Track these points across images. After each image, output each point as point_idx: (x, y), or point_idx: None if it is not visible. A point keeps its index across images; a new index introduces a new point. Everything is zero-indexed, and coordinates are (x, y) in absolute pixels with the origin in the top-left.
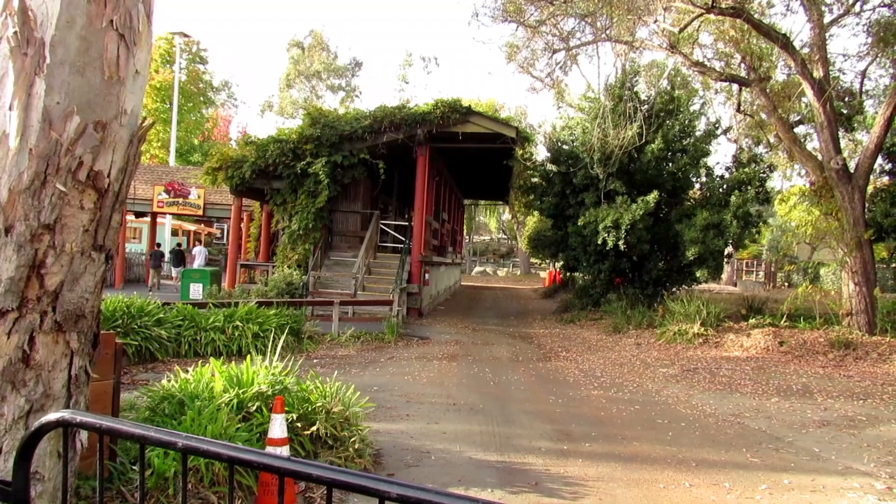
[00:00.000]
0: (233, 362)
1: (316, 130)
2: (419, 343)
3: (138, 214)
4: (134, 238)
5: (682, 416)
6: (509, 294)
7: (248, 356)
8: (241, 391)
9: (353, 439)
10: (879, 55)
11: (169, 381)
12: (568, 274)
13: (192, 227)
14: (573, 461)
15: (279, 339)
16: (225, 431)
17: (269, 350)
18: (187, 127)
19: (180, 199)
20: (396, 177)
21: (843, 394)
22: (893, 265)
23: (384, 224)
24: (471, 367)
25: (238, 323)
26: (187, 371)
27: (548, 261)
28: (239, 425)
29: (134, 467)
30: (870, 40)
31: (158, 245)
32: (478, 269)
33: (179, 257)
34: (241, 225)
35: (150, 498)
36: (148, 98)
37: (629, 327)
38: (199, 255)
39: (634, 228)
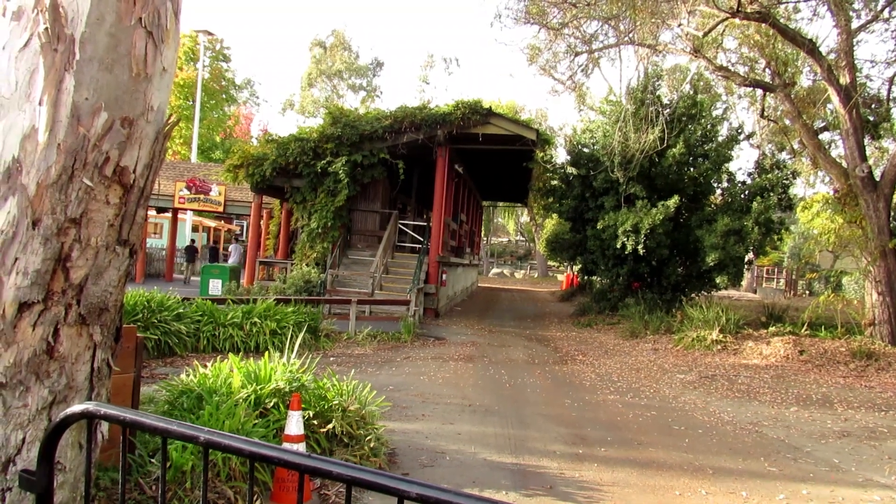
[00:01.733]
0: (250, 358)
1: (336, 129)
2: (435, 343)
3: (160, 210)
4: (155, 233)
5: (699, 423)
6: (526, 296)
7: (266, 353)
8: (258, 387)
9: (368, 438)
10: None
11: (188, 375)
12: (585, 277)
13: (212, 223)
14: (588, 465)
15: (296, 336)
16: (242, 427)
17: (286, 347)
18: (209, 124)
19: (201, 196)
20: (416, 177)
21: (865, 405)
22: None
23: (402, 224)
24: (487, 368)
25: (256, 319)
26: (206, 366)
27: (565, 264)
28: (256, 421)
29: (152, 460)
30: None
31: (192, 241)
32: (495, 270)
33: (214, 254)
34: (261, 222)
35: (168, 491)
36: (172, 95)
37: (647, 332)
38: (234, 251)
39: (654, 233)
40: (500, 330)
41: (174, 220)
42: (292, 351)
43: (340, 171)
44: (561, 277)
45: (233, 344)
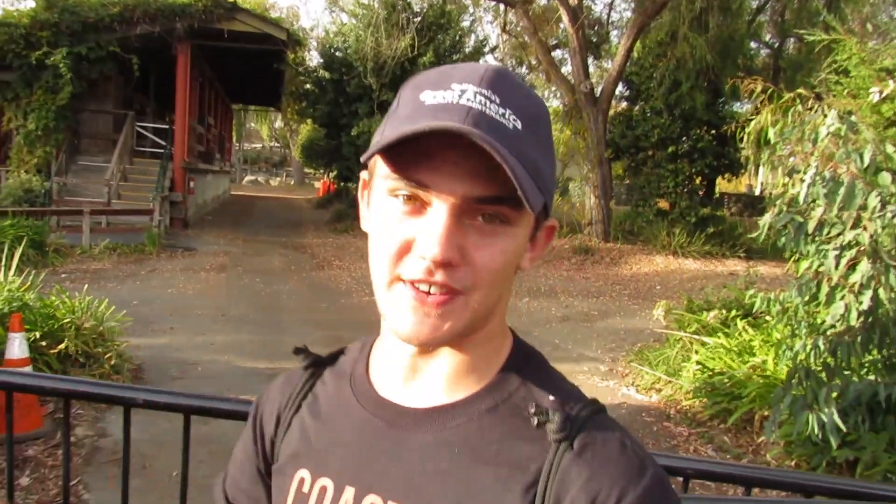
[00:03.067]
0: None
1: (53, 15)
2: (184, 254)
3: None
4: None
5: None
6: (282, 204)
7: None
8: None
9: (108, 356)
10: None
11: None
12: (342, 184)
13: None
14: None
15: (17, 253)
16: None
17: (2, 265)
18: None
19: None
20: (155, 75)
21: (581, 293)
22: (626, 181)
23: (141, 127)
24: (241, 277)
25: None
26: None
27: (322, 170)
28: None
29: None
30: None
31: None
32: (249, 177)
33: None
34: None
35: None
36: None
37: None
38: None
39: None
40: (254, 239)
41: None
42: (11, 269)
43: (61, 65)
44: (318, 185)
45: None
